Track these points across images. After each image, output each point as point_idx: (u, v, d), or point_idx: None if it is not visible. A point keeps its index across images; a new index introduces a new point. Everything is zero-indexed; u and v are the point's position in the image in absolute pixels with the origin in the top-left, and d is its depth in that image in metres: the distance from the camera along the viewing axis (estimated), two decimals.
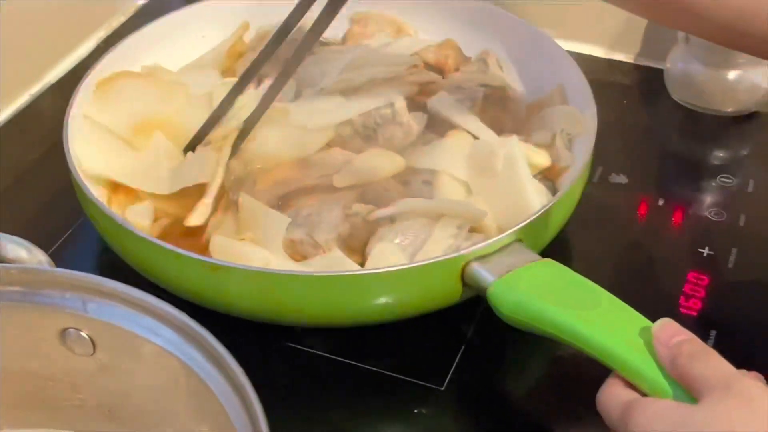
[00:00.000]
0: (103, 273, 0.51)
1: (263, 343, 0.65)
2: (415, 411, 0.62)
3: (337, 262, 0.63)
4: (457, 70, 0.79)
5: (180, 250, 0.61)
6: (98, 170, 0.69)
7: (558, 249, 0.67)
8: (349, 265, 0.63)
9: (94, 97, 0.73)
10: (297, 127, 0.72)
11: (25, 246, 0.54)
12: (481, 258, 0.61)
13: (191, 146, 0.71)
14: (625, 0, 0.59)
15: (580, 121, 0.72)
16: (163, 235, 0.67)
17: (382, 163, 0.70)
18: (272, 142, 0.72)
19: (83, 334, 0.49)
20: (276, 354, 0.65)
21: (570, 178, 0.68)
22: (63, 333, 0.50)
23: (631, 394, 0.51)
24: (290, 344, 0.65)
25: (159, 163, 0.71)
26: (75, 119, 0.71)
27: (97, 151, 0.70)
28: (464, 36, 0.81)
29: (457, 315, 0.65)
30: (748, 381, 0.48)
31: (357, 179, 0.69)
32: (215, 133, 0.72)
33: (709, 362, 0.50)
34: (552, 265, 0.60)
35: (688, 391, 0.50)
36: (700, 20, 0.57)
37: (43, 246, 0.55)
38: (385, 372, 0.64)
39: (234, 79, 0.75)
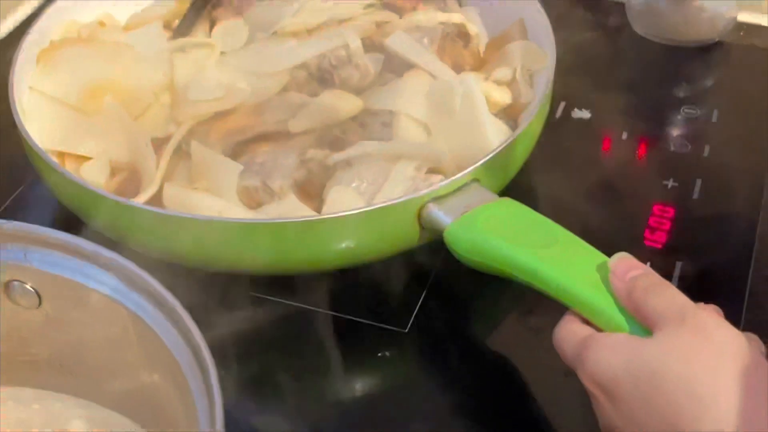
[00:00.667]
0: (56, 228, 0.49)
1: (225, 291, 0.64)
2: (379, 354, 0.61)
3: (291, 208, 0.62)
4: (414, 8, 0.77)
5: (132, 202, 0.60)
6: (52, 145, 0.67)
7: (520, 188, 0.67)
8: (303, 211, 0.62)
9: (39, 68, 0.71)
10: (250, 72, 0.71)
11: None
12: (438, 199, 0.60)
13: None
14: None
15: (541, 56, 0.71)
16: (120, 190, 0.65)
17: (339, 104, 0.69)
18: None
19: (27, 286, 0.48)
20: (239, 303, 0.64)
21: (529, 113, 0.67)
22: (7, 285, 0.48)
23: (587, 330, 0.51)
24: (253, 293, 0.64)
25: (112, 128, 0.68)
26: (20, 80, 0.69)
27: (48, 124, 0.68)
28: None
29: (420, 258, 0.64)
30: (704, 313, 0.48)
31: (313, 122, 0.68)
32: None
33: (664, 295, 0.49)
34: (509, 204, 0.60)
35: (643, 325, 0.49)
36: None
37: None
38: (348, 317, 0.63)
39: (180, 41, 0.73)
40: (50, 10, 0.74)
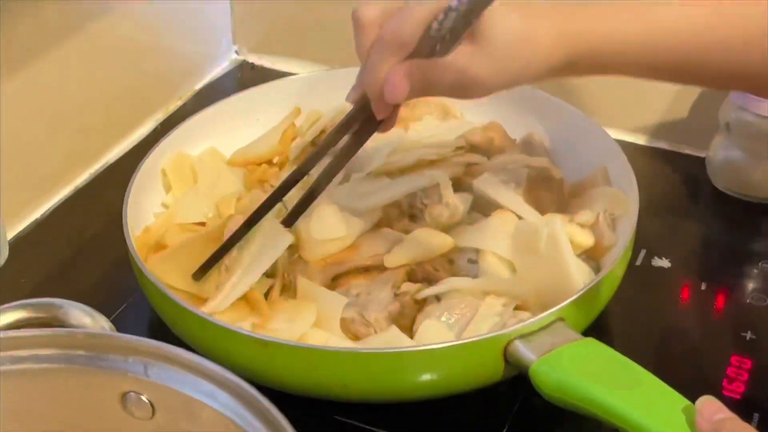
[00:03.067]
0: (160, 340, 0.53)
1: (311, 415, 0.66)
2: None
3: (393, 339, 0.65)
4: (502, 151, 0.81)
5: (231, 327, 0.63)
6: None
7: (600, 329, 0.69)
8: (405, 342, 0.65)
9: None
10: (345, 208, 0.74)
11: (89, 312, 0.56)
12: (524, 336, 0.62)
13: (202, 272, 0.69)
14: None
15: (624, 201, 0.73)
16: None
17: (431, 241, 0.72)
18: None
19: (143, 398, 0.51)
20: (324, 427, 0.66)
21: (613, 257, 0.69)
22: (124, 396, 0.51)
23: None
24: (338, 417, 0.66)
25: None
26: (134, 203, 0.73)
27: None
28: (510, 119, 0.83)
29: (503, 392, 0.66)
30: None
31: (407, 258, 0.71)
32: None
33: None
34: (594, 345, 0.61)
35: None
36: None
37: (105, 313, 0.57)
38: None
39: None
40: (163, 143, 0.79)
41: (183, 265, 0.69)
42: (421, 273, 0.71)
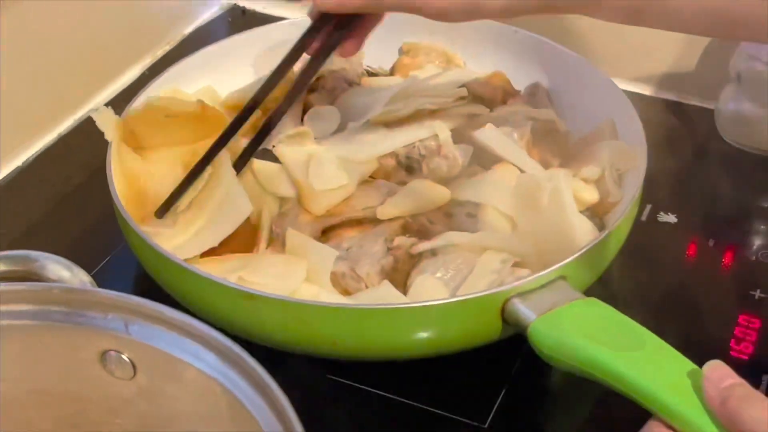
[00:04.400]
0: (143, 297, 0.50)
1: (303, 373, 0.64)
2: None
3: (387, 295, 0.62)
4: (505, 102, 0.78)
5: (215, 278, 0.60)
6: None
7: (603, 288, 0.67)
8: (398, 298, 0.62)
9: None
10: (340, 159, 0.72)
11: (67, 266, 0.53)
12: (523, 294, 0.60)
13: (164, 209, 0.68)
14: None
15: (631, 156, 0.71)
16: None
17: (427, 194, 0.70)
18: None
19: (124, 356, 0.49)
20: (317, 386, 0.64)
21: (617, 214, 0.67)
22: (104, 355, 0.49)
23: None
24: (331, 377, 0.64)
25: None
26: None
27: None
28: (514, 68, 0.81)
29: (503, 351, 0.63)
30: None
31: (401, 211, 0.68)
32: None
33: (761, 407, 0.48)
34: (596, 305, 0.59)
35: None
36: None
37: (85, 268, 0.55)
38: (427, 408, 0.63)
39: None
40: (155, 83, 0.77)
41: None
42: (417, 226, 0.68)
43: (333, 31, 0.66)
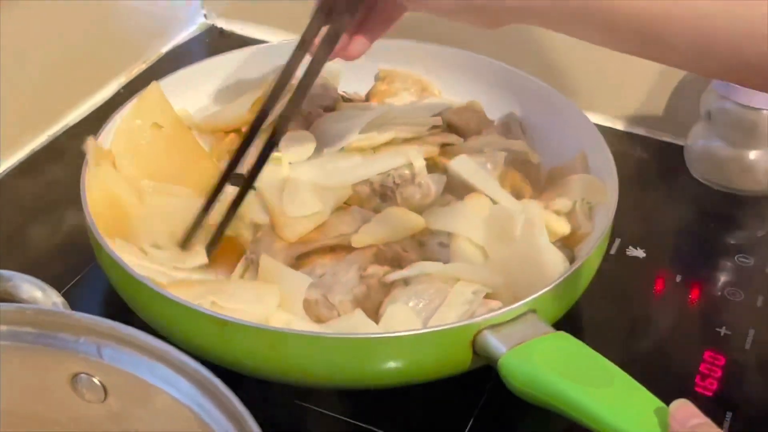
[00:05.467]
0: (113, 318, 0.50)
1: (272, 398, 0.64)
2: None
3: (358, 324, 0.63)
4: (479, 132, 0.79)
5: (189, 304, 0.60)
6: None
7: (572, 321, 0.67)
8: (370, 328, 0.62)
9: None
10: (314, 185, 0.72)
11: (40, 286, 0.53)
12: (494, 327, 0.60)
13: (187, 240, 0.68)
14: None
15: (602, 190, 0.72)
16: None
17: (401, 222, 0.70)
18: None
19: (95, 380, 0.48)
20: (285, 412, 0.64)
21: (588, 246, 0.68)
22: (74, 378, 0.49)
23: None
24: (299, 402, 0.64)
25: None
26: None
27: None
28: (489, 99, 0.81)
29: (472, 381, 0.64)
30: None
31: (376, 238, 0.69)
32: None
33: None
34: (565, 339, 0.59)
35: None
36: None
37: (56, 287, 0.54)
38: None
39: None
40: (129, 105, 0.76)
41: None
42: (390, 254, 0.68)
43: (339, 15, 0.63)
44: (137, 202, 0.70)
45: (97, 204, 0.67)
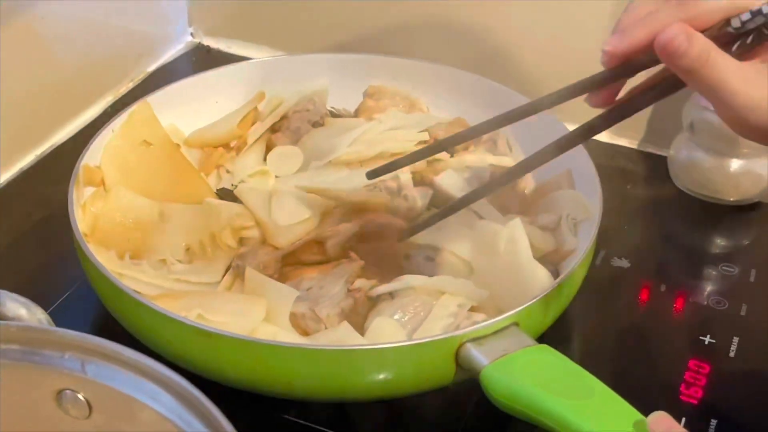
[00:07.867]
0: (100, 335, 0.50)
1: (258, 413, 0.64)
2: None
3: (345, 336, 0.63)
4: (466, 149, 0.79)
5: (175, 315, 0.60)
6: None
7: (558, 331, 0.67)
8: (357, 340, 0.63)
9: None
10: (300, 191, 0.73)
11: (25, 304, 0.53)
12: (476, 339, 0.60)
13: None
14: None
15: (586, 206, 0.72)
16: None
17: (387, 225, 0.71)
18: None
19: (80, 396, 0.48)
20: (270, 427, 0.64)
21: (571, 264, 0.68)
22: (59, 394, 0.49)
23: None
24: (287, 417, 0.64)
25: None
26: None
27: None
28: (475, 115, 0.80)
29: (458, 394, 0.64)
30: None
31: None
32: None
33: None
34: (547, 352, 0.60)
35: None
36: None
37: (43, 305, 0.55)
38: None
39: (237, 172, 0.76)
40: (122, 117, 0.77)
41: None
42: (376, 269, 0.69)
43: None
44: (158, 218, 0.71)
45: (86, 219, 0.68)
